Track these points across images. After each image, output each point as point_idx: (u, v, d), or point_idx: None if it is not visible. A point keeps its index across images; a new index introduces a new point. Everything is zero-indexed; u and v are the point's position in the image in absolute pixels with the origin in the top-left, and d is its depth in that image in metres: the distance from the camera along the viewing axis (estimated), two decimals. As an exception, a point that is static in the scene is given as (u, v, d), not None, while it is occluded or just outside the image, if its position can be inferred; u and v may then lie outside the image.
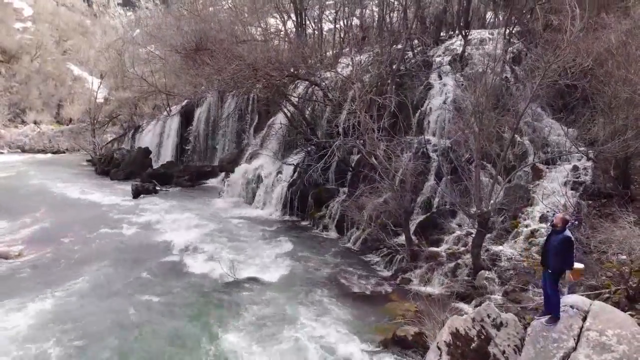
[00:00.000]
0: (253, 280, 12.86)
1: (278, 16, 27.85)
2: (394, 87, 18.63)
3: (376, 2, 24.75)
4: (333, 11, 28.21)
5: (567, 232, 7.57)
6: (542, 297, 8.94)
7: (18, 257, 14.91)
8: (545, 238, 8.06)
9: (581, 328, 7.41)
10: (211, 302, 11.59)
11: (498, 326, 8.32)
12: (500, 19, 24.16)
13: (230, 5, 27.41)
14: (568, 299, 8.00)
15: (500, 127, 14.02)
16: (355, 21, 27.42)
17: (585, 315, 7.61)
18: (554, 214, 13.64)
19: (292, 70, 20.03)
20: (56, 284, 12.44)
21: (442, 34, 24.38)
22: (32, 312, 10.88)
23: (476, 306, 11.00)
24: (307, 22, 26.83)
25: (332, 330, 10.17)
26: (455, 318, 8.29)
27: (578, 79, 13.11)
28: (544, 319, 7.60)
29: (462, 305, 11.15)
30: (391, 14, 23.01)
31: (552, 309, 7.57)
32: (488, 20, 27.22)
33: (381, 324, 10.39)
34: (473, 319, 8.39)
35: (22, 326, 10.24)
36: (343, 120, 14.81)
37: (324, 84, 20.17)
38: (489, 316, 8.40)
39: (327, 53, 26.91)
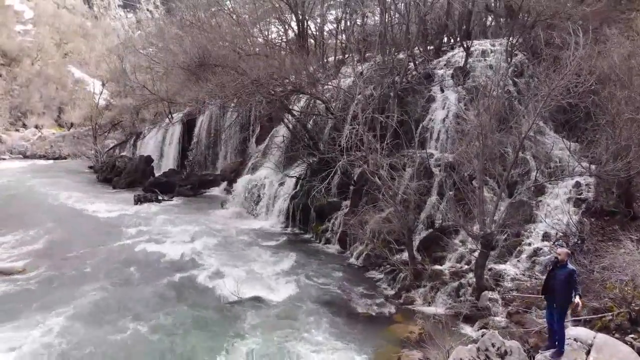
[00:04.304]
0: (257, 299, 12.91)
1: (280, 26, 27.93)
2: (396, 100, 18.67)
3: (378, 11, 24.74)
4: (334, 20, 28.23)
5: (570, 265, 7.70)
6: (545, 320, 9.05)
7: (22, 273, 14.93)
8: (548, 272, 8.12)
9: (585, 362, 7.51)
10: (216, 324, 11.64)
11: (502, 355, 8.40)
12: (502, 29, 24.17)
13: (232, 15, 27.38)
14: (571, 332, 8.08)
15: (503, 146, 14.07)
16: (357, 27, 27.45)
17: (589, 349, 7.69)
18: (556, 233, 13.78)
19: (294, 81, 20.06)
20: (59, 303, 12.44)
21: (444, 41, 24.42)
22: (35, 334, 10.87)
23: (480, 328, 11.10)
24: (309, 32, 26.88)
25: (336, 355, 10.24)
26: (460, 349, 8.36)
27: (581, 98, 13.13)
28: (548, 353, 7.68)
29: (466, 327, 11.21)
30: (392, 26, 23.04)
31: (557, 343, 7.65)
32: (489, 25, 27.21)
33: (385, 349, 10.44)
34: (478, 349, 8.47)
35: (23, 350, 10.25)
36: (345, 137, 14.87)
37: (325, 97, 20.22)
38: (493, 345, 8.48)
39: (329, 59, 26.98)
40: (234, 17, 27.45)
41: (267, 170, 22.55)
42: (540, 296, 8.76)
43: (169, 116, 33.41)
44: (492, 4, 24.70)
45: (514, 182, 15.45)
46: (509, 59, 19.35)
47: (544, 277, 9.53)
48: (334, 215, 18.42)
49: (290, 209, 20.05)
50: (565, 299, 7.60)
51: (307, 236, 19.11)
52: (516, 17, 19.80)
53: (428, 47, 23.34)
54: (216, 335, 11.07)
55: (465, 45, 20.61)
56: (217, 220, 21.24)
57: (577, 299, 7.65)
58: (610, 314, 10.49)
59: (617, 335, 9.25)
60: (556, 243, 12.89)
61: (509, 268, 13.24)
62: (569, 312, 8.28)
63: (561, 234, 13.43)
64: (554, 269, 7.81)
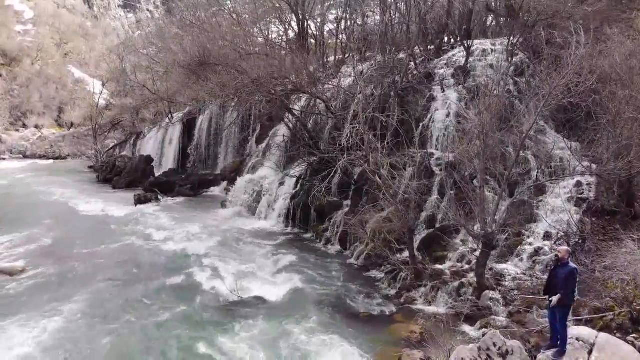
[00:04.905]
0: (257, 299, 12.89)
1: (280, 26, 27.93)
2: (397, 99, 18.65)
3: (379, 10, 24.73)
4: (335, 20, 28.24)
5: (572, 263, 7.70)
6: (547, 320, 9.03)
7: (22, 272, 14.90)
8: (549, 271, 8.09)
9: (587, 362, 7.48)
10: (216, 323, 11.59)
11: (504, 355, 8.38)
12: (503, 29, 24.17)
13: (232, 15, 27.39)
14: (574, 331, 8.06)
15: (504, 146, 14.05)
16: (357, 27, 27.46)
17: (591, 348, 7.67)
18: (557, 232, 13.75)
19: (294, 81, 20.06)
20: (59, 303, 12.43)
21: (444, 40, 24.42)
22: (36, 332, 10.88)
23: (481, 328, 11.08)
24: (309, 32, 26.89)
25: (337, 354, 10.20)
26: (461, 349, 8.33)
27: (582, 97, 13.11)
28: (550, 353, 7.66)
29: (467, 327, 11.18)
30: (393, 25, 23.03)
31: (559, 343, 7.62)
32: (490, 25, 27.22)
33: (387, 349, 10.40)
34: (479, 348, 8.45)
35: (25, 348, 10.25)
36: (346, 136, 14.86)
37: (325, 96, 20.20)
38: (494, 345, 8.46)
39: (330, 58, 26.99)
40: (234, 16, 27.45)
41: (268, 170, 22.53)
42: (543, 297, 8.73)
43: (169, 116, 33.42)
44: (493, 4, 24.69)
45: (514, 181, 15.43)
46: (509, 59, 19.34)
47: (545, 276, 9.50)
48: (335, 214, 18.37)
49: (290, 209, 20.00)
50: (568, 298, 7.58)
51: (307, 236, 19.06)
52: (517, 17, 19.78)
53: (429, 47, 23.34)
54: (216, 333, 11.04)
55: (465, 45, 20.60)
56: (217, 220, 21.22)
57: (555, 298, 7.61)
58: (611, 313, 10.47)
59: (618, 335, 9.24)
60: (557, 242, 12.90)
61: (510, 267, 13.23)
62: (570, 311, 8.25)
63: (562, 234, 13.42)
64: (555, 268, 7.79)
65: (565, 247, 7.84)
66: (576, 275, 7.65)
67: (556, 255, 7.90)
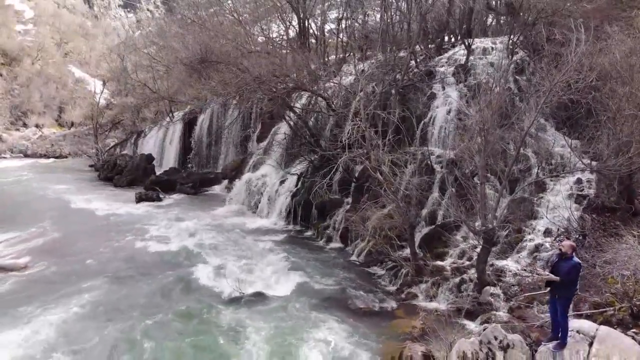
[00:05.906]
0: (259, 296, 12.94)
1: (281, 25, 28.02)
2: (398, 97, 18.72)
3: (378, 9, 24.80)
4: (335, 19, 28.32)
5: (576, 258, 7.75)
6: (548, 314, 9.10)
7: (24, 269, 14.96)
8: (552, 265, 8.13)
9: (588, 354, 7.54)
10: (218, 319, 11.64)
11: (505, 348, 8.46)
12: (503, 27, 24.27)
13: (233, 14, 27.45)
14: (574, 324, 8.12)
15: (505, 142, 14.11)
16: (358, 26, 27.54)
17: (592, 341, 7.73)
18: (558, 228, 13.81)
19: (295, 79, 20.12)
20: (61, 299, 12.45)
21: (445, 38, 24.51)
22: (37, 329, 10.91)
23: (482, 323, 11.14)
24: (310, 31, 26.96)
25: (339, 349, 10.26)
26: (462, 342, 8.41)
27: (582, 94, 13.18)
28: (551, 345, 7.72)
29: (468, 322, 11.24)
30: (393, 24, 23.11)
31: (560, 335, 7.68)
32: (490, 24, 27.31)
33: (388, 343, 10.47)
34: (480, 342, 8.54)
35: (26, 345, 10.29)
36: (347, 133, 14.93)
37: (326, 94, 20.27)
38: (495, 338, 8.55)
39: (330, 57, 27.04)
40: (235, 15, 27.51)
41: (269, 168, 22.59)
42: (544, 291, 8.80)
43: (170, 115, 33.47)
44: (493, 2, 24.79)
45: (515, 178, 15.51)
46: (510, 56, 19.42)
47: (547, 272, 9.53)
48: (336, 212, 18.43)
49: (291, 207, 20.05)
50: (569, 291, 7.64)
51: (308, 233, 19.11)
52: (517, 15, 19.87)
53: (429, 45, 23.42)
54: (218, 328, 11.10)
55: (466, 43, 20.67)
56: (218, 218, 21.26)
57: (544, 271, 7.80)
58: (611, 308, 10.52)
59: (619, 330, 9.29)
60: (557, 239, 12.97)
61: (511, 263, 13.28)
62: (571, 304, 8.31)
63: (562, 230, 13.48)
64: (558, 262, 7.84)
65: (568, 242, 7.91)
66: (579, 270, 7.71)
67: (559, 250, 7.96)
